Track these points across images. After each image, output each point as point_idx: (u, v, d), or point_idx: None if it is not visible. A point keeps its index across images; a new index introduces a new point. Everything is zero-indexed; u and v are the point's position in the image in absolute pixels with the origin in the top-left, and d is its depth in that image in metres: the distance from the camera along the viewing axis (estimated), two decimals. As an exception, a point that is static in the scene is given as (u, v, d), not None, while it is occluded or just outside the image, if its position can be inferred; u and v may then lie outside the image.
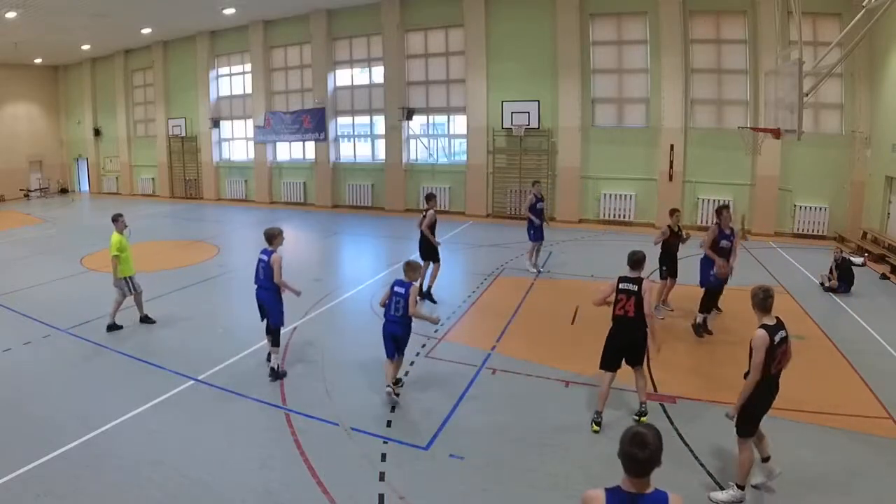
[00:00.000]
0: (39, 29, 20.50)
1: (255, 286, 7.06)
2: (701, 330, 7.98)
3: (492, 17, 18.46)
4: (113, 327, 8.47)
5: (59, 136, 30.41)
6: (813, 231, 15.61)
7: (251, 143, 24.02)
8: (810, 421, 5.74)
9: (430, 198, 10.16)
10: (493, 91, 18.66)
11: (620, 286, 5.66)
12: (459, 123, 20.08)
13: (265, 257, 6.96)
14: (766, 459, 4.72)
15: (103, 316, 8.64)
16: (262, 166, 23.69)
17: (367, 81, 21.50)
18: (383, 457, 5.21)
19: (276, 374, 6.92)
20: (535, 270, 11.38)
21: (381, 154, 21.48)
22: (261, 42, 22.71)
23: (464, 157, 19.84)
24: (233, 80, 24.69)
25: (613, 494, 2.43)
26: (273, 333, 7.01)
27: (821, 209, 15.53)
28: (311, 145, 22.57)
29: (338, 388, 6.64)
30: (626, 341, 5.67)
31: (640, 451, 2.35)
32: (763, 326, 4.39)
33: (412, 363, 7.21)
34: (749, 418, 4.51)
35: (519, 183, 18.54)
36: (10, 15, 17.85)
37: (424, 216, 9.82)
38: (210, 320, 9.26)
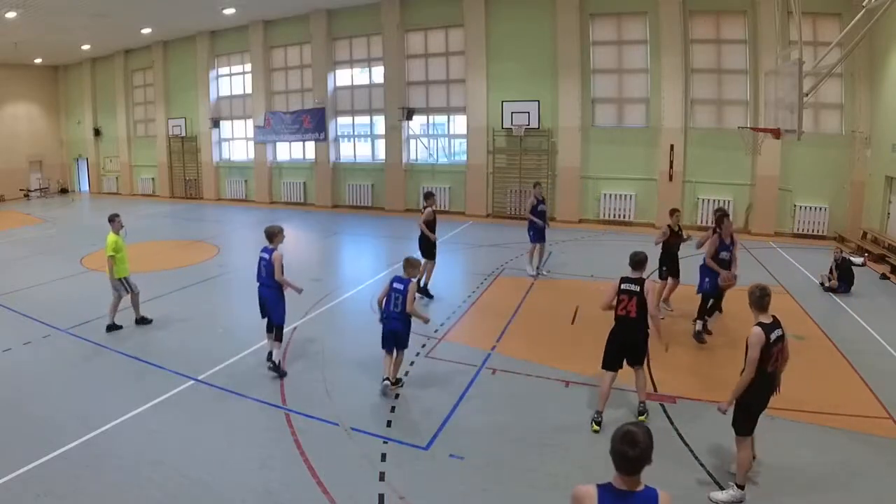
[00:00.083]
0: (39, 29, 20.50)
1: (258, 284, 7.11)
2: (702, 336, 7.91)
3: (492, 17, 18.46)
4: (112, 327, 8.47)
5: (59, 136, 30.41)
6: (813, 231, 15.61)
7: (251, 143, 24.02)
8: (810, 421, 5.74)
9: (428, 196, 10.29)
10: (493, 91, 18.66)
11: (622, 287, 5.67)
12: (459, 123, 20.08)
13: (266, 255, 7.00)
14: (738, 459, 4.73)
15: (103, 316, 8.64)
16: (262, 166, 23.69)
17: (367, 81, 21.50)
18: (383, 457, 5.21)
19: (277, 369, 6.97)
20: (533, 273, 11.35)
21: (381, 154, 21.48)
22: (261, 42, 22.71)
23: (464, 157, 19.84)
24: (233, 80, 24.69)
25: (605, 491, 2.46)
26: (276, 329, 7.06)
27: (821, 209, 15.53)
28: (311, 145, 22.57)
29: (338, 388, 6.64)
30: (628, 341, 5.69)
31: (631, 450, 2.37)
32: (759, 324, 4.43)
33: (412, 363, 7.21)
34: (747, 417, 4.53)
35: (519, 183, 18.54)
36: (10, 15, 17.85)
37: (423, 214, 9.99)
38: (210, 320, 9.26)
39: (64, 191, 29.72)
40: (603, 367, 5.78)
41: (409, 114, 20.04)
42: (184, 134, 25.29)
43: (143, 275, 11.27)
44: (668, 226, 9.09)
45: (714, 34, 16.41)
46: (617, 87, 17.67)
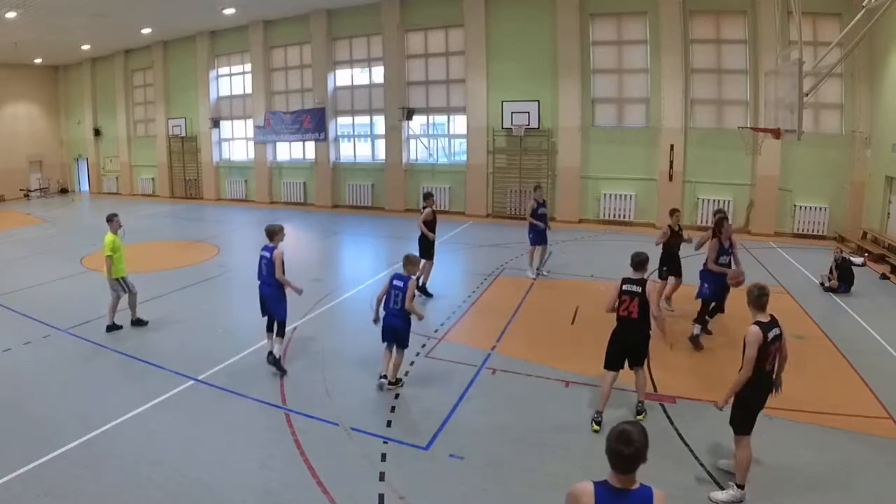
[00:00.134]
0: (39, 29, 20.49)
1: (259, 282, 7.15)
2: (698, 340, 7.85)
3: (492, 17, 18.46)
4: (112, 327, 8.46)
5: (59, 136, 30.40)
6: (813, 231, 15.61)
7: (251, 143, 24.02)
8: (810, 421, 5.74)
9: (427, 197, 10.40)
10: (493, 91, 18.66)
11: (624, 288, 5.69)
12: (459, 123, 20.07)
13: (267, 254, 7.04)
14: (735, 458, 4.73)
15: (103, 316, 8.63)
16: (262, 166, 23.69)
17: (367, 81, 21.50)
18: (383, 457, 5.21)
19: (278, 364, 7.03)
20: (532, 275, 11.34)
21: (381, 154, 21.48)
22: (261, 42, 22.70)
23: (464, 157, 19.83)
24: (233, 80, 24.68)
25: (601, 488, 2.49)
26: (278, 326, 7.12)
27: (821, 209, 15.53)
28: (311, 145, 22.56)
29: (338, 388, 6.64)
30: (629, 342, 5.70)
31: (626, 448, 2.41)
32: (757, 323, 4.46)
33: (412, 363, 7.21)
34: (745, 416, 4.56)
35: (519, 183, 18.54)
36: (10, 15, 17.85)
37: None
38: (210, 320, 9.26)
39: (64, 191, 29.72)
40: (605, 367, 5.80)
41: (409, 114, 20.04)
42: (184, 134, 25.29)
43: (143, 275, 11.28)
44: (669, 226, 9.10)
45: (714, 34, 16.41)
46: (617, 87, 17.67)
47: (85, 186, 30.56)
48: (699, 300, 8.04)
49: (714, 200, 16.32)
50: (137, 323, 8.70)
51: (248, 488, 4.78)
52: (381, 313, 6.61)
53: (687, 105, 16.56)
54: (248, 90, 23.84)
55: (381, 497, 4.64)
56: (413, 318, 6.49)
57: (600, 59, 17.61)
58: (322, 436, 5.61)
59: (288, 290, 7.08)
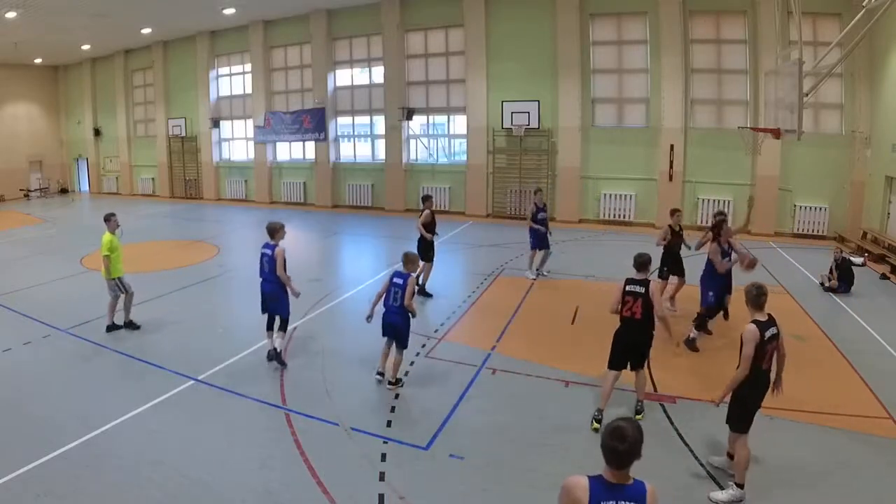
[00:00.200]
0: (39, 29, 20.49)
1: (261, 279, 7.23)
2: (694, 343, 7.81)
3: (492, 17, 18.46)
4: (112, 328, 8.45)
5: (59, 136, 30.40)
6: (813, 231, 15.61)
7: (251, 143, 24.02)
8: (810, 421, 5.74)
9: (425, 199, 10.49)
10: (493, 91, 18.66)
11: (627, 288, 5.71)
12: (459, 123, 20.07)
13: (268, 251, 7.12)
14: (731, 456, 4.76)
15: (103, 316, 8.62)
16: (262, 166, 23.69)
17: (367, 81, 21.50)
18: (383, 457, 5.21)
19: (279, 357, 7.13)
20: (532, 276, 11.33)
21: (381, 154, 21.47)
22: (261, 42, 22.70)
23: (464, 157, 19.83)
24: (233, 80, 24.68)
25: (596, 482, 2.53)
26: (281, 321, 7.20)
27: (821, 209, 15.53)
28: (311, 145, 22.56)
29: (338, 388, 6.64)
30: (631, 342, 5.73)
31: (620, 444, 2.44)
32: (754, 322, 4.50)
33: (412, 363, 7.22)
34: (743, 414, 4.58)
35: (519, 183, 18.54)
36: (10, 15, 17.85)
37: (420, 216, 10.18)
38: (210, 320, 9.25)
39: (64, 191, 29.72)
40: (609, 366, 5.82)
41: (409, 114, 20.04)
42: (184, 134, 25.29)
43: (143, 275, 11.31)
44: (669, 226, 9.10)
45: (714, 34, 16.41)
46: (617, 87, 17.67)
47: (85, 186, 30.56)
48: (703, 307, 7.99)
49: (714, 200, 16.32)
50: (129, 325, 8.56)
51: (248, 488, 4.78)
52: (379, 311, 6.67)
53: (687, 105, 16.56)
54: (248, 90, 23.84)
55: (381, 497, 4.64)
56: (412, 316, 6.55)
57: (600, 59, 17.60)
58: (322, 436, 5.60)
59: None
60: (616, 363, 5.78)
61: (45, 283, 11.40)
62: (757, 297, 4.57)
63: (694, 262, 9.34)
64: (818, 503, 4.61)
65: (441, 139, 20.82)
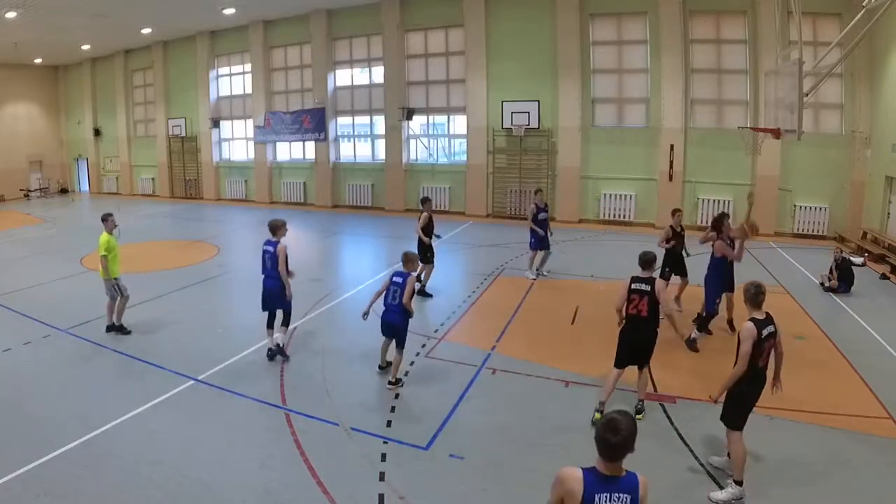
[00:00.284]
0: (39, 29, 20.49)
1: (263, 276, 7.32)
2: (695, 344, 7.81)
3: (492, 17, 18.46)
4: (112, 328, 8.44)
5: (59, 136, 30.40)
6: (813, 231, 15.61)
7: (251, 143, 24.02)
8: (810, 421, 5.74)
9: (424, 201, 10.62)
10: (493, 91, 18.66)
11: (633, 286, 5.75)
12: (459, 123, 20.07)
13: (270, 248, 7.21)
14: (730, 455, 4.77)
15: (103, 316, 8.61)
16: (262, 166, 23.69)
17: (367, 81, 21.50)
18: (383, 457, 5.21)
19: (282, 352, 7.25)
20: (532, 276, 11.33)
21: (381, 154, 21.47)
22: (261, 42, 22.70)
23: (464, 157, 19.83)
24: (233, 80, 24.68)
25: (590, 474, 2.55)
26: (284, 316, 7.31)
27: (821, 209, 15.53)
28: (311, 145, 22.56)
29: (338, 388, 6.64)
30: (636, 339, 5.76)
31: (613, 437, 2.46)
32: (752, 320, 4.53)
33: (412, 363, 7.22)
34: (739, 411, 4.61)
35: (519, 183, 18.54)
36: (10, 15, 17.85)
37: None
38: (210, 320, 9.25)
39: (64, 191, 29.71)
40: (615, 365, 5.84)
41: (409, 114, 20.04)
42: (184, 134, 25.29)
43: (142, 275, 11.32)
44: (671, 226, 9.09)
45: (714, 34, 16.41)
46: (617, 87, 17.67)
47: (85, 186, 30.56)
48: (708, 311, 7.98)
49: (714, 200, 16.33)
50: (119, 329, 8.35)
51: (248, 488, 4.78)
52: (379, 310, 6.70)
53: (687, 105, 16.56)
54: (248, 90, 23.84)
55: (381, 497, 4.64)
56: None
57: (600, 59, 17.60)
58: (322, 436, 5.60)
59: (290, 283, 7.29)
60: (622, 361, 5.82)
61: (45, 283, 11.40)
62: (755, 295, 4.61)
63: (695, 263, 9.35)
64: (818, 503, 4.61)
65: (441, 139, 20.82)
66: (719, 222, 8.00)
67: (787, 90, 9.74)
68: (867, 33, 9.10)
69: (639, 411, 5.82)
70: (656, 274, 9.03)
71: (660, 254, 8.88)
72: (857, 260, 12.14)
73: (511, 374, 7.01)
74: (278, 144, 23.64)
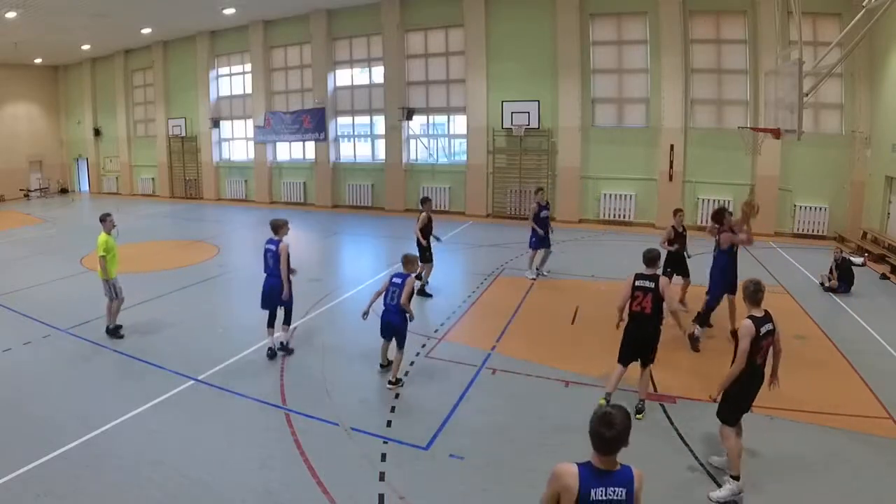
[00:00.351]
0: (39, 29, 20.49)
1: (265, 274, 7.38)
2: (697, 343, 7.82)
3: (492, 17, 18.46)
4: (108, 330, 8.42)
5: (59, 136, 30.39)
6: (813, 231, 15.61)
7: (251, 143, 24.02)
8: (810, 421, 5.74)
9: (424, 201, 10.68)
10: (493, 91, 18.66)
11: (637, 283, 5.78)
12: (459, 123, 20.07)
13: (272, 247, 7.27)
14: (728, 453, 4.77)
15: (102, 316, 8.59)
16: (262, 166, 23.69)
17: (367, 81, 21.50)
18: (383, 457, 5.21)
19: (285, 348, 7.35)
20: (532, 276, 11.33)
21: (381, 154, 21.48)
22: (261, 42, 22.70)
23: (464, 157, 19.83)
24: (233, 80, 24.68)
25: (585, 469, 2.58)
26: (286, 313, 7.38)
27: (821, 209, 15.53)
28: (311, 145, 22.56)
29: (338, 388, 6.64)
30: (640, 336, 5.79)
31: (607, 431, 2.50)
32: (751, 317, 4.55)
33: (412, 363, 7.22)
34: (734, 407, 4.63)
35: (519, 183, 18.54)
36: (10, 15, 17.85)
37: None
38: (210, 320, 9.25)
39: (64, 191, 29.71)
40: (619, 361, 5.87)
41: (409, 114, 20.04)
42: (184, 134, 25.29)
43: (142, 275, 11.33)
44: (672, 226, 9.07)
45: (714, 34, 16.41)
46: (617, 87, 17.67)
47: (85, 186, 30.55)
48: (706, 300, 8.01)
49: (714, 200, 16.30)
50: (113, 332, 8.27)
51: (248, 488, 4.78)
52: (378, 309, 6.73)
53: (687, 105, 16.56)
54: (248, 90, 23.84)
55: (381, 497, 4.64)
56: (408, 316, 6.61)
57: (600, 59, 17.60)
58: (322, 436, 5.60)
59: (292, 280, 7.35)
60: (625, 358, 5.84)
61: (45, 283, 11.40)
62: (754, 293, 4.63)
63: (697, 262, 9.36)
64: (818, 503, 4.61)
65: (441, 139, 20.82)
66: (720, 215, 8.06)
67: (787, 90, 9.75)
68: (867, 33, 9.10)
69: (639, 411, 5.84)
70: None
71: (661, 253, 8.92)
72: (857, 260, 12.14)
73: (511, 374, 7.01)
74: (278, 144, 23.63)
